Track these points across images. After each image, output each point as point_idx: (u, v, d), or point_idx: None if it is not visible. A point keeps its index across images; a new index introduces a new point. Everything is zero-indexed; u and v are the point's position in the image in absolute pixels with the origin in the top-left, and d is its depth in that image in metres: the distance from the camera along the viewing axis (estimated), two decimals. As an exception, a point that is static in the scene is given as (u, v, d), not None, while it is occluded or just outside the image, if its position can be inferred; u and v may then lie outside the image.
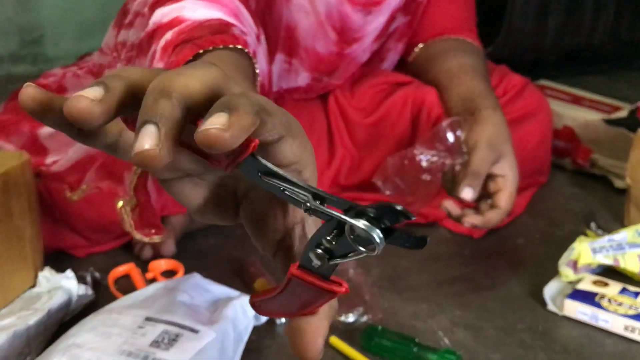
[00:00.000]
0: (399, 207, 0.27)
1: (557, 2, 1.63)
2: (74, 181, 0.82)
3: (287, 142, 0.29)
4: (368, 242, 0.28)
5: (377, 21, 0.91)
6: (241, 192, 0.33)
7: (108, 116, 0.27)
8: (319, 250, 0.30)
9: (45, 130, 0.86)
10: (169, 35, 0.59)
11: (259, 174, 0.29)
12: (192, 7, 0.61)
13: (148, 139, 0.25)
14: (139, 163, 0.26)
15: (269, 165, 0.29)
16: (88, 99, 0.26)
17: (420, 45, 0.99)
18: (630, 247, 0.79)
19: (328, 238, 0.29)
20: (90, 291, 0.75)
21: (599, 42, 1.70)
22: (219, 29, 0.58)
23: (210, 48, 0.56)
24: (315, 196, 0.29)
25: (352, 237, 0.28)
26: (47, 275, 0.74)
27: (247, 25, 0.64)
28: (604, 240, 0.79)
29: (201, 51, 0.56)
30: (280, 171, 0.29)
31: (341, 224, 0.29)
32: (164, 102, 0.26)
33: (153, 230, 0.65)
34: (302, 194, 0.29)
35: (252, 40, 0.64)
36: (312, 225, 0.33)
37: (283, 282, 0.32)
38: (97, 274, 0.79)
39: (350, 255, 0.29)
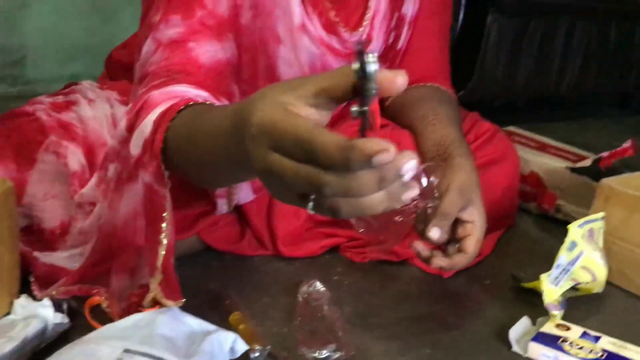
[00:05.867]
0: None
1: (527, 50, 1.71)
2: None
3: None
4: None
5: None
6: None
7: None
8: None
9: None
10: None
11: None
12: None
13: None
14: None
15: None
16: None
17: (398, 91, 1.03)
18: (572, 264, 0.86)
19: None
20: (66, 319, 0.75)
21: (566, 89, 1.78)
22: None
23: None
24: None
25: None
26: (23, 303, 0.74)
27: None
28: (556, 271, 0.85)
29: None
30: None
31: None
32: None
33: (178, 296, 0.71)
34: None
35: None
36: None
37: None
38: (73, 302, 0.79)
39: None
